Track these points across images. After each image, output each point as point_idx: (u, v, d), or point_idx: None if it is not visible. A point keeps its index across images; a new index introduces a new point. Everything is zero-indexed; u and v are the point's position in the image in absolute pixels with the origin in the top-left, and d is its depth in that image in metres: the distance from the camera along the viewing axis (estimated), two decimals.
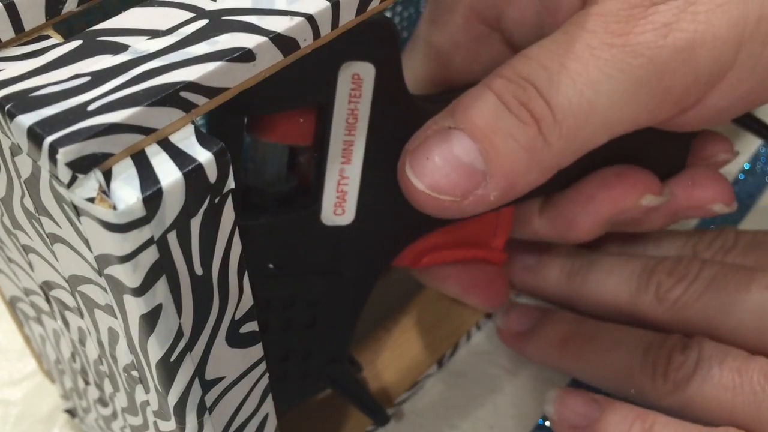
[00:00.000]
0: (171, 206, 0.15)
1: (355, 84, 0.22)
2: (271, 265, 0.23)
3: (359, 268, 0.25)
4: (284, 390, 0.26)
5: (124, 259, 0.15)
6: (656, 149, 0.28)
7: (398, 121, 0.23)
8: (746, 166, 0.40)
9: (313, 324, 0.25)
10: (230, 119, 0.21)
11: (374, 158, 0.23)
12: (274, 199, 0.23)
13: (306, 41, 0.17)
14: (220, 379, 0.19)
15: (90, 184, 0.14)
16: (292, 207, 0.23)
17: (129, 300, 0.16)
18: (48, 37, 0.17)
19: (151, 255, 0.15)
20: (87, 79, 0.16)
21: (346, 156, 0.22)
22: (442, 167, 0.22)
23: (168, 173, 0.15)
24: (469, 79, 0.27)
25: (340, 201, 0.23)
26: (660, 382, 0.28)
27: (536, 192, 0.24)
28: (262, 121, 0.22)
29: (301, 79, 0.21)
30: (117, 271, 0.15)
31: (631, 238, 0.33)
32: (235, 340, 0.18)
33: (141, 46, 0.16)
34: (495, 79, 0.23)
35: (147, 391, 0.19)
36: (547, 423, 0.30)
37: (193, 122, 0.16)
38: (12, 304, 0.26)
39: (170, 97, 0.15)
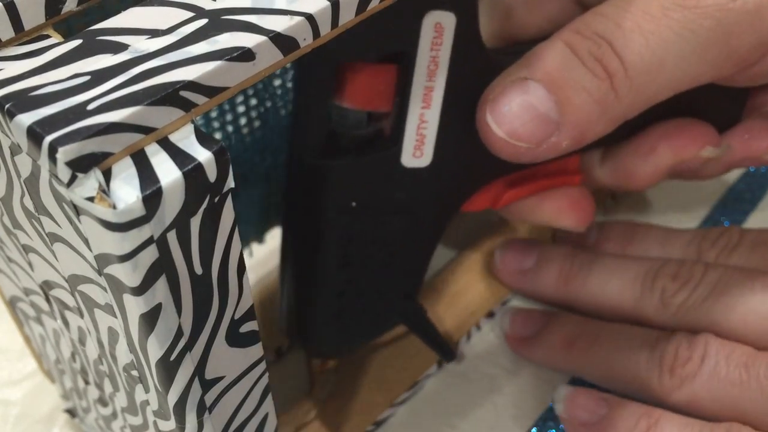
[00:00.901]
0: (171, 205, 0.15)
1: (437, 32, 0.23)
2: (354, 203, 0.25)
3: (434, 209, 0.27)
4: (359, 325, 0.28)
5: (124, 258, 0.15)
6: (715, 103, 0.29)
7: (474, 70, 0.24)
8: (752, 169, 0.40)
9: (390, 261, 0.27)
10: (320, 66, 0.23)
11: (451, 104, 0.24)
12: (357, 142, 0.25)
13: (306, 40, 0.17)
14: (220, 378, 0.19)
15: (89, 183, 0.14)
16: (374, 149, 0.25)
17: (129, 299, 0.16)
18: (48, 36, 0.17)
19: (150, 254, 0.15)
20: (86, 78, 0.16)
21: (427, 101, 0.24)
22: (520, 116, 0.23)
23: (168, 172, 0.15)
24: (533, 34, 0.28)
25: (419, 144, 0.25)
26: (666, 378, 0.28)
27: (600, 142, 0.25)
28: (346, 87, 0.24)
29: (388, 26, 0.22)
30: (116, 270, 0.15)
31: (634, 234, 0.34)
32: (235, 339, 0.18)
33: (141, 45, 0.16)
34: (570, 33, 0.24)
35: (147, 390, 0.19)
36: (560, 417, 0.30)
37: (192, 121, 0.16)
38: (12, 303, 0.26)
39: (170, 96, 0.15)
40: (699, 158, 0.29)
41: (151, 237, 0.15)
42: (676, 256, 0.32)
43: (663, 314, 0.30)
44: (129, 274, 0.15)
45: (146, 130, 0.15)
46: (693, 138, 0.29)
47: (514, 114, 0.23)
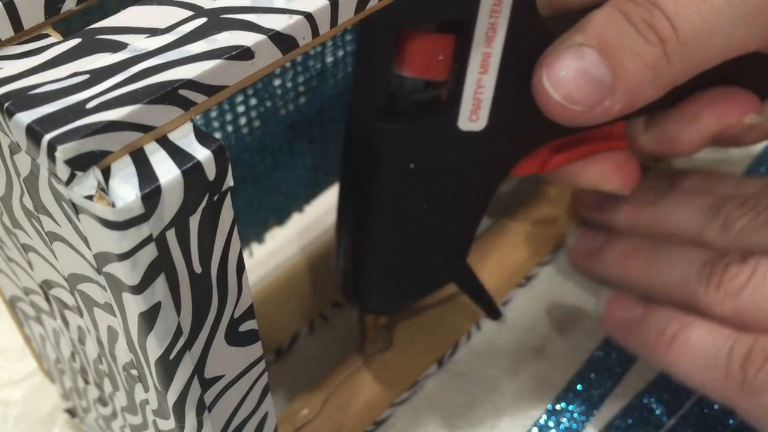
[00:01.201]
0: (170, 204, 0.15)
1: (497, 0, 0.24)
2: (411, 165, 0.26)
3: (487, 171, 0.28)
4: (411, 283, 0.29)
5: (123, 256, 0.15)
6: (757, 71, 0.30)
7: (529, 36, 0.25)
8: None
9: (442, 221, 0.28)
10: (381, 33, 0.24)
11: (507, 70, 0.25)
12: (415, 106, 0.26)
13: (305, 39, 0.17)
14: (220, 377, 0.19)
15: (89, 181, 0.14)
16: (432, 113, 0.26)
17: (128, 298, 0.16)
18: (47, 35, 0.17)
19: (149, 253, 0.15)
20: (86, 77, 0.16)
21: (484, 67, 0.25)
22: (575, 80, 0.24)
23: (167, 171, 0.15)
24: (585, 2, 0.29)
25: (475, 108, 0.26)
26: (713, 290, 0.29)
27: (646, 108, 0.26)
28: (405, 54, 0.25)
29: None
30: (116, 268, 0.15)
31: (710, 177, 0.35)
32: (234, 338, 0.18)
33: (140, 44, 0.16)
34: (622, 1, 0.25)
35: (146, 389, 0.19)
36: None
37: (192, 120, 0.16)
38: (12, 303, 0.26)
39: (169, 95, 0.15)
40: (741, 125, 0.30)
41: (150, 235, 0.15)
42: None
43: (723, 238, 0.31)
44: (128, 273, 0.15)
45: (145, 129, 0.15)
46: (736, 105, 0.30)
47: (570, 78, 0.24)
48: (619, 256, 0.33)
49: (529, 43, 0.25)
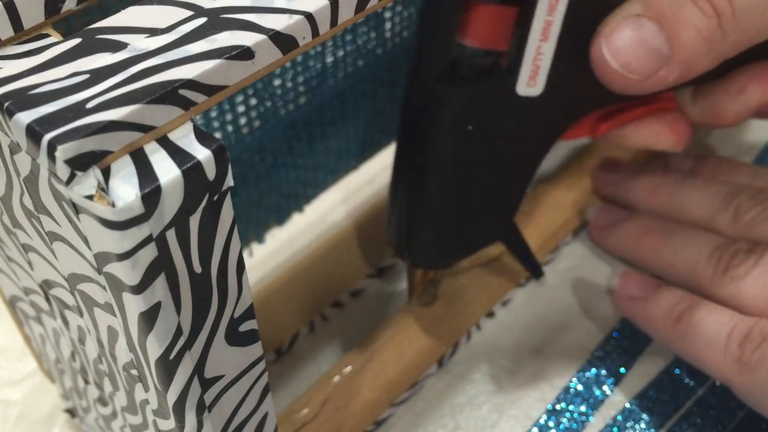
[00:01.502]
0: (170, 204, 0.15)
1: None
2: (470, 127, 0.27)
3: (540, 135, 0.29)
4: (461, 240, 0.31)
5: (123, 256, 0.15)
6: None
7: (590, 6, 0.26)
8: None
9: (494, 182, 0.29)
10: (449, 1, 0.25)
11: (567, 38, 0.26)
12: (476, 71, 0.27)
13: (305, 39, 0.17)
14: (220, 377, 0.19)
15: (89, 181, 0.14)
16: (492, 78, 0.27)
17: (128, 298, 0.16)
18: (47, 35, 0.17)
19: (149, 252, 0.15)
20: (86, 77, 0.16)
21: (545, 35, 0.26)
22: (634, 49, 0.25)
23: (167, 171, 0.15)
24: None
25: (533, 74, 0.26)
26: (719, 275, 0.30)
27: (695, 79, 0.27)
28: (469, 24, 0.26)
29: None
30: (116, 268, 0.15)
31: (726, 166, 0.36)
32: (235, 338, 0.18)
33: (140, 44, 0.16)
34: None
35: (146, 389, 0.19)
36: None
37: (192, 120, 0.16)
38: (12, 303, 0.26)
39: (169, 94, 0.15)
40: None
41: (150, 235, 0.15)
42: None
43: (733, 227, 0.32)
44: (128, 273, 0.15)
45: (145, 129, 0.15)
46: None
47: (628, 47, 0.25)
48: (634, 234, 0.35)
49: (589, 12, 0.26)
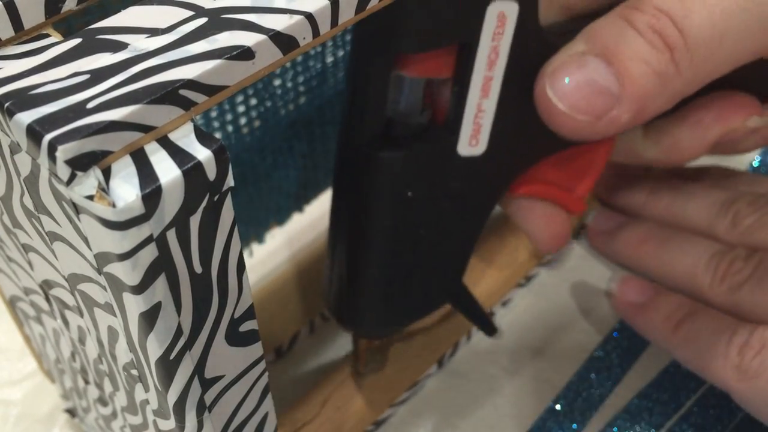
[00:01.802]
0: (170, 204, 0.15)
1: (500, 22, 0.23)
2: (409, 193, 0.25)
3: (484, 194, 0.28)
4: (406, 307, 0.29)
5: (124, 256, 0.15)
6: (758, 75, 0.30)
7: (533, 55, 0.24)
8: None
9: (439, 244, 0.27)
10: (379, 57, 0.23)
11: (509, 91, 0.25)
12: (414, 133, 0.25)
13: (305, 39, 0.17)
14: (220, 377, 0.19)
15: (89, 181, 0.14)
16: (431, 139, 0.25)
17: (128, 298, 0.16)
18: (47, 35, 0.17)
19: (150, 253, 0.15)
20: (86, 77, 0.16)
21: (485, 90, 0.24)
22: (581, 89, 0.24)
23: (167, 171, 0.15)
24: (589, 7, 0.28)
25: (475, 132, 0.25)
26: (717, 283, 0.30)
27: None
28: (407, 55, 0.24)
29: (451, 17, 0.22)
30: (116, 269, 0.15)
31: (726, 175, 0.36)
32: (235, 338, 0.18)
33: (140, 44, 0.16)
34: (627, 9, 0.24)
35: (146, 389, 0.19)
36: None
37: (192, 120, 0.16)
38: (12, 303, 0.26)
39: (169, 95, 0.15)
40: (743, 129, 0.30)
41: (151, 236, 0.15)
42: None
43: (731, 233, 0.31)
44: (128, 273, 0.15)
45: (146, 129, 0.15)
46: (738, 108, 0.30)
47: (575, 87, 0.24)
48: (633, 240, 0.34)
49: (532, 59, 0.24)
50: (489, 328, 0.31)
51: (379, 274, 0.27)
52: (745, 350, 0.27)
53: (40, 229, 0.18)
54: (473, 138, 0.25)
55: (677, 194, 0.34)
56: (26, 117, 0.15)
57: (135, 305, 0.16)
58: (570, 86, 0.24)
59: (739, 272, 0.29)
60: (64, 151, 0.14)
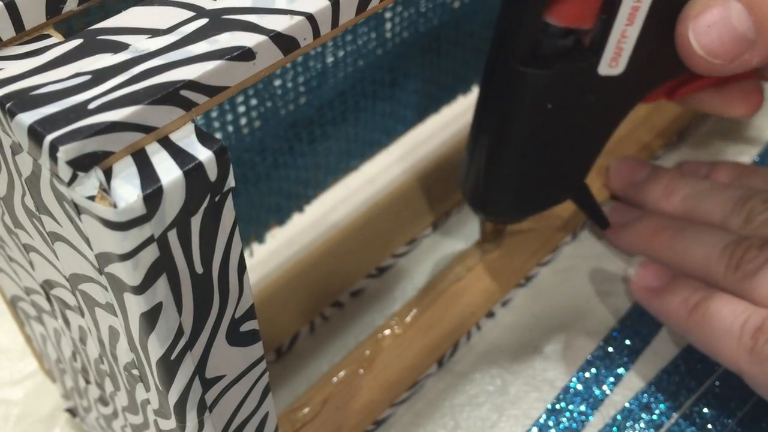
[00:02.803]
0: (171, 204, 0.15)
1: None
2: (549, 105, 0.28)
3: (616, 108, 0.30)
4: (532, 200, 0.32)
5: (125, 257, 0.15)
6: None
7: None
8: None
9: (569, 148, 0.31)
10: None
11: (652, 22, 0.27)
12: (560, 53, 0.28)
13: (306, 40, 0.17)
14: (221, 377, 0.19)
15: (90, 182, 0.15)
16: (575, 60, 0.28)
17: (129, 298, 0.16)
18: (48, 36, 0.17)
19: (151, 253, 0.15)
20: (87, 77, 0.16)
21: (631, 19, 0.26)
22: (720, 34, 0.25)
23: (168, 171, 0.15)
24: None
25: (616, 56, 0.27)
26: (731, 271, 0.31)
27: None
28: (556, 3, 0.26)
29: None
30: (117, 269, 0.15)
31: (743, 171, 0.36)
32: (236, 338, 0.19)
33: (141, 44, 0.16)
34: None
35: (147, 389, 0.19)
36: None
37: (193, 121, 0.16)
38: (13, 303, 0.26)
39: (170, 95, 0.15)
40: None
41: (152, 236, 0.15)
42: None
43: (745, 228, 0.32)
44: (130, 273, 0.15)
45: (147, 129, 0.15)
46: None
47: (714, 32, 0.25)
48: (647, 232, 0.35)
49: None
50: (603, 221, 0.35)
51: (512, 171, 0.31)
52: (759, 334, 0.28)
53: (42, 229, 0.18)
54: (614, 60, 0.27)
55: (692, 192, 0.35)
56: (28, 118, 0.15)
57: (136, 305, 0.16)
58: (711, 35, 0.25)
59: (754, 260, 0.30)
60: (65, 152, 0.14)
